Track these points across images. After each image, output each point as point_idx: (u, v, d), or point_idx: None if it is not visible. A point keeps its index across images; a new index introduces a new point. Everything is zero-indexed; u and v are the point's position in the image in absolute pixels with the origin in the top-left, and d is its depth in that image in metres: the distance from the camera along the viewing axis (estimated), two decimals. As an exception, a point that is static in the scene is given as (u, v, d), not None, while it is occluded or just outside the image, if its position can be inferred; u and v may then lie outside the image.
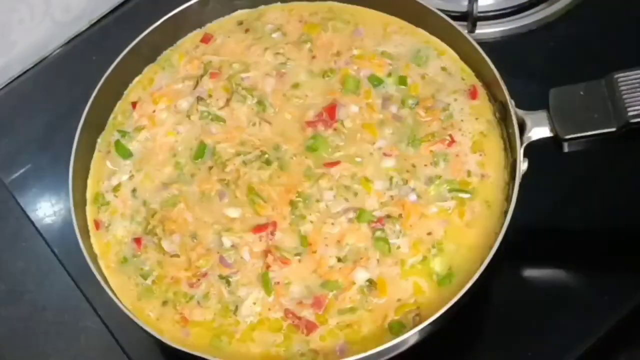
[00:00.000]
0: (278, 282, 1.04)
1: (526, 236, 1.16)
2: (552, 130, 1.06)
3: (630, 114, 1.03)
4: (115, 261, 1.08)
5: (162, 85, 1.20)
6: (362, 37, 1.19)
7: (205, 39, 1.23)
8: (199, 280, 1.05)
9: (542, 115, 1.07)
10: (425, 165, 1.09)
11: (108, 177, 1.14)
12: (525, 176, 1.04)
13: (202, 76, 1.19)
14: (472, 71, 1.15)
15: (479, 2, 1.32)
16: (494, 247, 0.99)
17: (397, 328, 1.00)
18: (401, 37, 1.19)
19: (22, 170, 1.35)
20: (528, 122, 1.07)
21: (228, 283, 1.05)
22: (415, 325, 0.97)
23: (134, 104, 1.19)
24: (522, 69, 1.27)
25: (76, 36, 1.48)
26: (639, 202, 1.18)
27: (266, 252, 1.05)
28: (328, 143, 1.11)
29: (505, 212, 1.03)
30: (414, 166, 1.09)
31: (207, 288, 1.05)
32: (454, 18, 1.20)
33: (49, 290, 1.25)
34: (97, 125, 1.17)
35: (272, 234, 1.06)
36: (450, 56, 1.17)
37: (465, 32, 1.14)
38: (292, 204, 1.07)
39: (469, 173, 1.08)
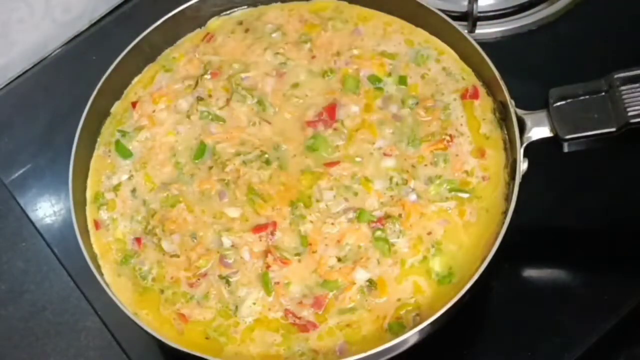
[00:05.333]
0: (278, 282, 1.04)
1: (526, 236, 1.16)
2: (552, 130, 1.06)
3: (630, 114, 1.03)
4: (115, 261, 1.08)
5: (162, 85, 1.20)
6: (362, 37, 1.19)
7: (206, 39, 1.23)
8: (198, 280, 1.05)
9: (542, 115, 1.07)
10: (425, 165, 1.09)
11: (108, 177, 1.14)
12: (525, 176, 1.05)
13: (202, 76, 1.19)
14: (472, 71, 1.15)
15: (479, 2, 1.32)
16: (494, 247, 0.99)
17: (397, 328, 1.00)
18: (401, 37, 1.19)
19: (22, 170, 1.35)
20: (528, 122, 1.07)
21: (228, 283, 1.05)
22: (415, 325, 0.97)
23: (134, 104, 1.18)
24: (522, 69, 1.26)
25: (76, 36, 1.48)
26: (639, 202, 1.18)
27: (266, 252, 1.05)
28: (328, 143, 1.11)
29: (505, 212, 1.03)
30: (413, 166, 1.09)
31: (207, 288, 1.05)
32: (454, 18, 1.20)
33: (49, 290, 1.25)
34: (97, 125, 1.18)
35: (272, 234, 1.06)
36: (450, 56, 1.17)
37: (465, 32, 1.14)
38: (292, 203, 1.07)
39: (468, 173, 1.08)
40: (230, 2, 1.24)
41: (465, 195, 1.07)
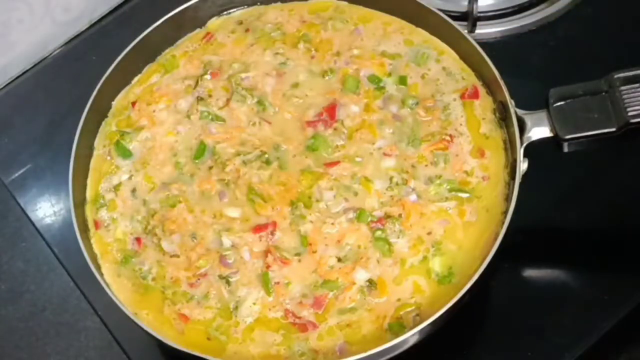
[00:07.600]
0: (278, 282, 1.04)
1: (526, 236, 1.16)
2: (552, 130, 1.06)
3: (630, 114, 1.03)
4: (115, 261, 1.08)
5: (162, 85, 1.20)
6: (361, 37, 1.19)
7: (206, 39, 1.23)
8: (198, 280, 1.05)
9: (542, 115, 1.07)
10: (425, 165, 1.09)
11: (108, 177, 1.14)
12: (525, 176, 1.05)
13: (202, 76, 1.19)
14: (472, 71, 1.15)
15: (479, 2, 1.32)
16: (494, 247, 0.99)
17: (397, 328, 1.00)
18: (401, 37, 1.19)
19: (22, 170, 1.35)
20: (528, 122, 1.07)
21: (228, 283, 1.05)
22: (415, 325, 0.97)
23: (133, 104, 1.18)
24: (522, 69, 1.27)
25: (76, 36, 1.48)
26: (639, 202, 1.18)
27: (266, 252, 1.05)
28: (328, 143, 1.11)
29: (505, 212, 1.03)
30: (413, 166, 1.09)
31: (207, 288, 1.05)
32: (454, 18, 1.20)
33: (49, 290, 1.25)
34: (96, 125, 1.18)
35: (272, 233, 1.06)
36: (450, 56, 1.17)
37: (465, 32, 1.14)
38: (292, 203, 1.07)
39: (468, 173, 1.08)
40: (230, 2, 1.24)
41: (465, 195, 1.07)
